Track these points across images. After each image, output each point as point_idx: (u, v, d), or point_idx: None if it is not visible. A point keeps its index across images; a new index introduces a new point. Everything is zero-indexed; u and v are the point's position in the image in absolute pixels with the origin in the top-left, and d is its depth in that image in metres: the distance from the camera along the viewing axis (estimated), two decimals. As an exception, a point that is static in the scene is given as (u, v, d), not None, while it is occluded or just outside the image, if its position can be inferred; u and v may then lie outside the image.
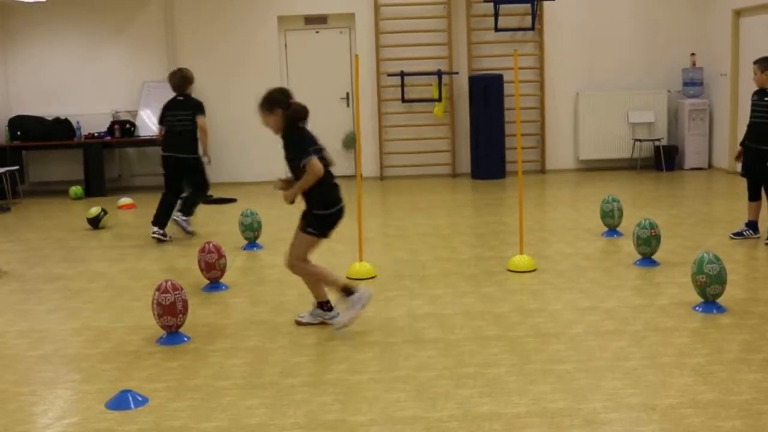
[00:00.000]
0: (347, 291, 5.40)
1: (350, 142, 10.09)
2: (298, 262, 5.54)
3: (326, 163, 5.43)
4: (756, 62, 7.79)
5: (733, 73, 12.14)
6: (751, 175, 7.89)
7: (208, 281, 6.78)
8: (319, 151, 5.42)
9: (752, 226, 7.88)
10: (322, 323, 5.64)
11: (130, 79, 13.34)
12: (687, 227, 8.53)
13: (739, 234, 7.87)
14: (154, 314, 5.41)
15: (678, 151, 13.11)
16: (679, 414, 4.01)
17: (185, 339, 5.43)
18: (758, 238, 7.81)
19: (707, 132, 12.88)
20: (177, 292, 5.34)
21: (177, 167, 8.96)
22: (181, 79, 9.05)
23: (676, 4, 13.24)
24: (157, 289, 5.37)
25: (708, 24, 12.96)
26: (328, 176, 5.43)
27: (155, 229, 8.86)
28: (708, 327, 5.36)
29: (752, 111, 7.88)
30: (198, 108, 8.99)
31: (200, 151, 9.06)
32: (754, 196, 7.90)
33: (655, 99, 13.17)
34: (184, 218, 9.08)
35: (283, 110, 5.43)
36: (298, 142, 5.40)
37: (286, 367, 4.88)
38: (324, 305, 5.66)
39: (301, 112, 5.47)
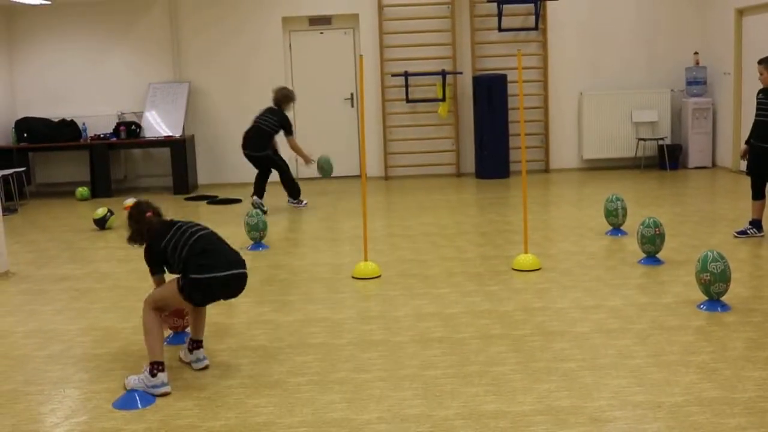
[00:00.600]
0: (155, 366, 4.59)
1: (326, 170, 10.53)
2: (147, 305, 4.81)
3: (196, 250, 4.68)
4: (761, 62, 7.81)
5: (736, 71, 12.15)
6: (755, 172, 7.91)
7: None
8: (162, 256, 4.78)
9: (756, 224, 7.89)
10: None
11: (135, 81, 13.39)
12: (691, 226, 8.55)
13: (742, 233, 7.89)
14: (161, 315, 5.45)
15: (682, 150, 13.12)
16: (685, 412, 4.03)
17: (192, 339, 5.45)
18: (762, 236, 7.82)
19: (711, 131, 12.90)
20: None
21: (252, 162, 10.68)
22: (281, 96, 10.63)
23: (678, 3, 13.25)
24: None
25: (711, 23, 12.97)
26: (194, 248, 4.68)
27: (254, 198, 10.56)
28: (712, 325, 5.37)
29: (757, 109, 7.90)
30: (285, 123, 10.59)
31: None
32: (757, 195, 7.91)
33: (659, 98, 13.18)
34: (294, 201, 10.79)
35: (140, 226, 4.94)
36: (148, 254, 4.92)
37: (293, 366, 4.91)
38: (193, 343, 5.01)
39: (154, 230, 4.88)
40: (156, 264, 4.91)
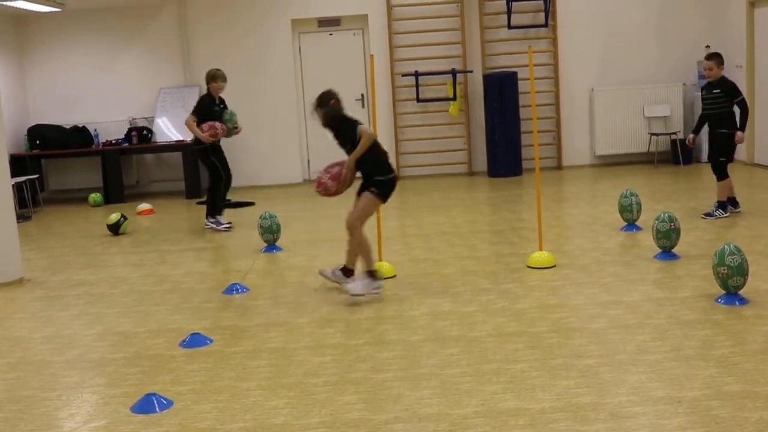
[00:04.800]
0: (372, 273, 6.26)
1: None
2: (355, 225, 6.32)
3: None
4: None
5: (748, 64, 12.06)
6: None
7: (228, 284, 6.83)
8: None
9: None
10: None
11: (146, 86, 13.43)
12: (706, 220, 8.49)
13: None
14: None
15: (695, 144, 13.02)
16: (705, 406, 4.00)
17: (208, 341, 5.46)
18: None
19: (724, 124, 12.79)
20: None
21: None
22: (206, 78, 9.81)
23: (689, -4, 13.20)
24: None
25: (722, 15, 12.89)
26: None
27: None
28: (731, 318, 5.33)
29: None
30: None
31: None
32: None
33: (671, 92, 13.12)
34: (211, 221, 9.82)
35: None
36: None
37: (310, 367, 4.90)
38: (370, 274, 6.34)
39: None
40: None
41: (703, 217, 8.42)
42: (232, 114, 9.76)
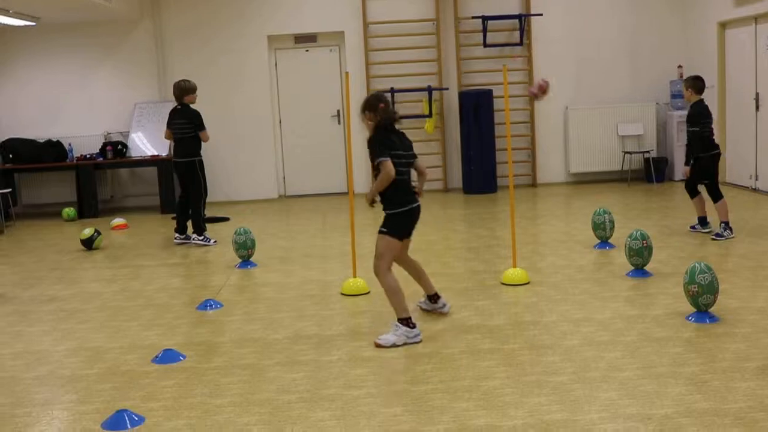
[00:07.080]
0: (408, 321, 5.55)
1: None
2: (382, 269, 5.67)
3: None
4: None
5: (720, 84, 12.23)
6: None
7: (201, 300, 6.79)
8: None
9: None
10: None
11: (121, 101, 13.38)
12: (678, 238, 8.58)
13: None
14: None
15: (667, 163, 13.19)
16: (675, 423, 4.03)
17: (181, 358, 5.43)
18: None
19: (696, 143, 12.95)
20: None
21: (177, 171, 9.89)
22: (180, 91, 9.65)
23: (661, 17, 13.37)
24: None
25: (694, 36, 13.07)
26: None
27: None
28: (701, 336, 5.39)
29: None
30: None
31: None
32: (691, 195, 8.79)
33: (644, 111, 13.27)
34: (200, 238, 9.69)
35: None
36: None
37: (282, 383, 4.89)
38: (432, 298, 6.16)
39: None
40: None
41: (713, 239, 8.35)
42: None
